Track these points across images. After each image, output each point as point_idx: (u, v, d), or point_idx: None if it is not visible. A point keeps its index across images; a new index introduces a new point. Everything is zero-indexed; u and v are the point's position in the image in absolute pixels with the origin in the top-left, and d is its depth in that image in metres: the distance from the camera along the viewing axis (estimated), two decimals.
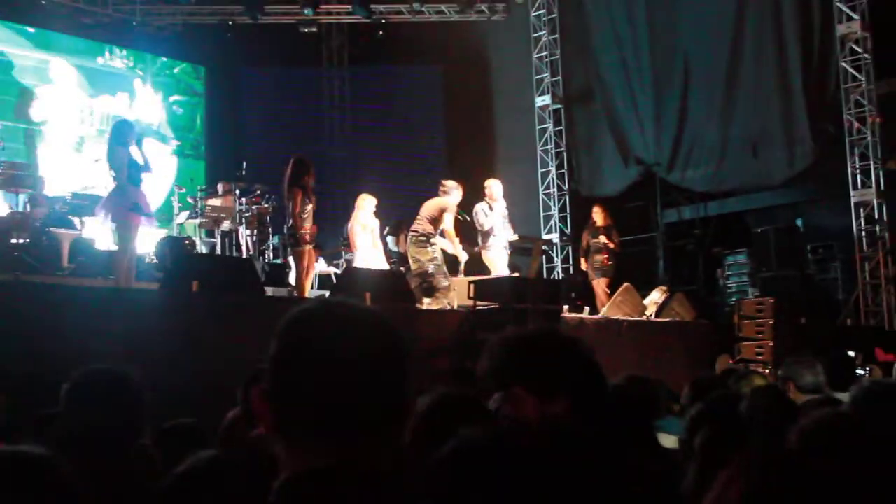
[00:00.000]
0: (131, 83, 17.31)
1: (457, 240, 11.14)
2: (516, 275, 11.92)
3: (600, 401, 2.21)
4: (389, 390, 1.42)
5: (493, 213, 11.84)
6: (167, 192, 15.13)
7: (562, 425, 2.13)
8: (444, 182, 11.41)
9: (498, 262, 11.81)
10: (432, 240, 10.92)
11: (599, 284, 13.04)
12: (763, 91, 14.61)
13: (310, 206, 9.87)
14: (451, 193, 11.20)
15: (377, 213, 12.28)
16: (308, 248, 9.96)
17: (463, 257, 11.31)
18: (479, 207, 11.88)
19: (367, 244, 11.87)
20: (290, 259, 11.25)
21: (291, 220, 9.81)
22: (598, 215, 13.41)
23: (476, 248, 14.11)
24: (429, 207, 11.05)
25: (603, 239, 13.11)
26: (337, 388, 1.37)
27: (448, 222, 10.95)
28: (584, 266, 13.46)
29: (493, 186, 12.06)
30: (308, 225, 9.89)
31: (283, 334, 1.44)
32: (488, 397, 2.31)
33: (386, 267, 11.66)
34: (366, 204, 12.02)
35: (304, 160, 9.95)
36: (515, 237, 12.35)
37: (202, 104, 18.43)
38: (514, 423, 2.17)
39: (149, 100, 17.52)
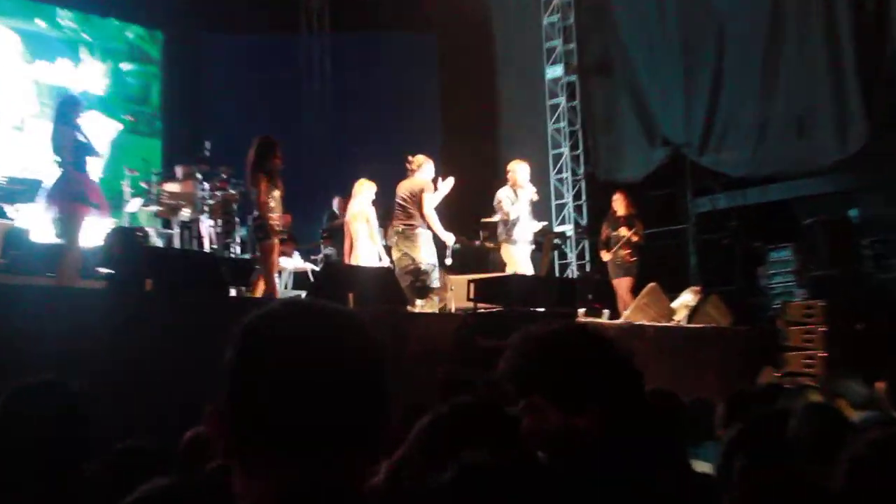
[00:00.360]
0: (76, 49, 17.21)
1: (438, 221, 11.08)
2: (524, 272, 11.91)
3: (636, 415, 2.16)
4: (367, 403, 1.40)
5: (520, 201, 11.80)
6: (117, 174, 15.06)
7: (581, 448, 2.10)
8: (410, 159, 11.37)
9: (521, 258, 11.78)
10: (423, 230, 10.92)
11: (622, 284, 13.03)
12: (809, 61, 14.58)
13: (277, 193, 9.87)
14: (424, 169, 11.19)
15: None
16: (276, 240, 9.91)
17: (450, 240, 11.28)
18: (504, 194, 11.87)
19: (364, 237, 11.80)
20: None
21: (257, 210, 9.79)
22: (619, 204, 13.40)
23: (476, 242, 14.08)
24: (407, 192, 11.02)
25: (625, 231, 13.10)
26: (305, 402, 1.34)
27: (427, 202, 10.91)
28: (606, 257, 13.39)
29: (519, 170, 12.06)
30: (277, 214, 9.86)
31: (240, 341, 1.40)
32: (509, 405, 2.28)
33: (384, 263, 11.59)
34: (363, 190, 11.99)
35: (270, 140, 9.94)
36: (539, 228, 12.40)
37: (158, 74, 18.37)
38: (533, 437, 2.13)
39: (95, 68, 17.43)
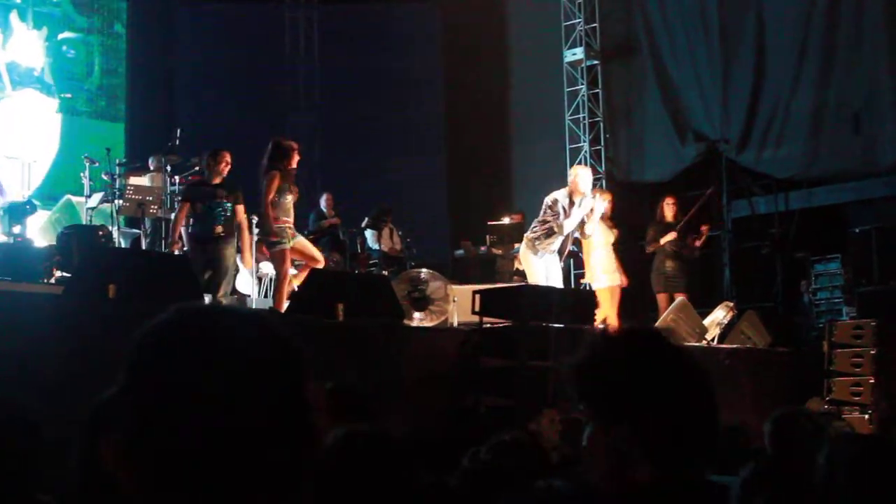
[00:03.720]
0: (5, 16, 17.06)
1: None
2: (533, 283, 11.91)
3: (681, 448, 2.16)
4: (284, 430, 1.37)
5: (573, 215, 11.51)
6: (75, 164, 15.06)
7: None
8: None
9: (537, 269, 11.61)
10: None
11: (674, 298, 12.98)
12: (868, 44, 14.59)
13: (290, 198, 10.35)
14: None
15: (350, 198, 12.28)
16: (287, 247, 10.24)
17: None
18: (561, 196, 11.54)
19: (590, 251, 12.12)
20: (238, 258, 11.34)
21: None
22: (669, 210, 13.40)
23: (483, 248, 14.08)
24: None
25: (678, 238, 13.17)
26: (211, 429, 1.32)
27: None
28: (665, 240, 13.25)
29: (583, 176, 11.79)
30: (290, 219, 10.33)
31: (135, 358, 1.38)
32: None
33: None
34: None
35: (283, 142, 10.53)
36: None
37: (100, 45, 18.16)
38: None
39: (27, 38, 17.26)
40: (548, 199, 11.56)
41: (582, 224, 11.76)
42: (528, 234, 11.70)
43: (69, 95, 17.35)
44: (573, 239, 11.97)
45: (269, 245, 10.35)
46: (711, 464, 2.31)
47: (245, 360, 1.36)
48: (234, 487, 1.34)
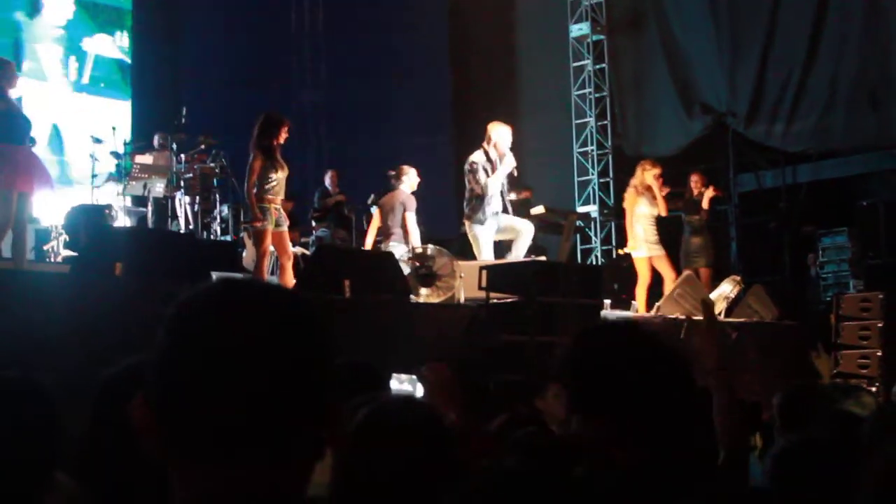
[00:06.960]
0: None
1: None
2: (542, 259, 11.92)
3: (663, 436, 2.22)
4: (305, 397, 1.43)
5: (498, 174, 11.35)
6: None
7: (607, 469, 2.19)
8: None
9: (488, 238, 11.50)
10: None
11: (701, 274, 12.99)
12: (885, 20, 14.54)
13: (280, 174, 10.09)
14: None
15: (356, 175, 12.26)
16: (269, 227, 9.98)
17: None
18: (479, 161, 11.38)
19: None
20: (245, 236, 11.33)
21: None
22: (697, 187, 13.37)
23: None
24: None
25: (699, 217, 13.16)
26: (237, 393, 1.38)
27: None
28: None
29: (502, 133, 11.60)
30: (279, 197, 10.09)
31: (168, 324, 1.45)
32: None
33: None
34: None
35: (272, 116, 10.23)
36: (540, 209, 12.31)
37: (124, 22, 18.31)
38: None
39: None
40: (466, 167, 11.47)
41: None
42: (465, 210, 11.58)
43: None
44: (514, 201, 12.02)
45: (252, 226, 10.21)
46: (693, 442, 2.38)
47: (275, 332, 1.42)
48: (254, 456, 1.39)
